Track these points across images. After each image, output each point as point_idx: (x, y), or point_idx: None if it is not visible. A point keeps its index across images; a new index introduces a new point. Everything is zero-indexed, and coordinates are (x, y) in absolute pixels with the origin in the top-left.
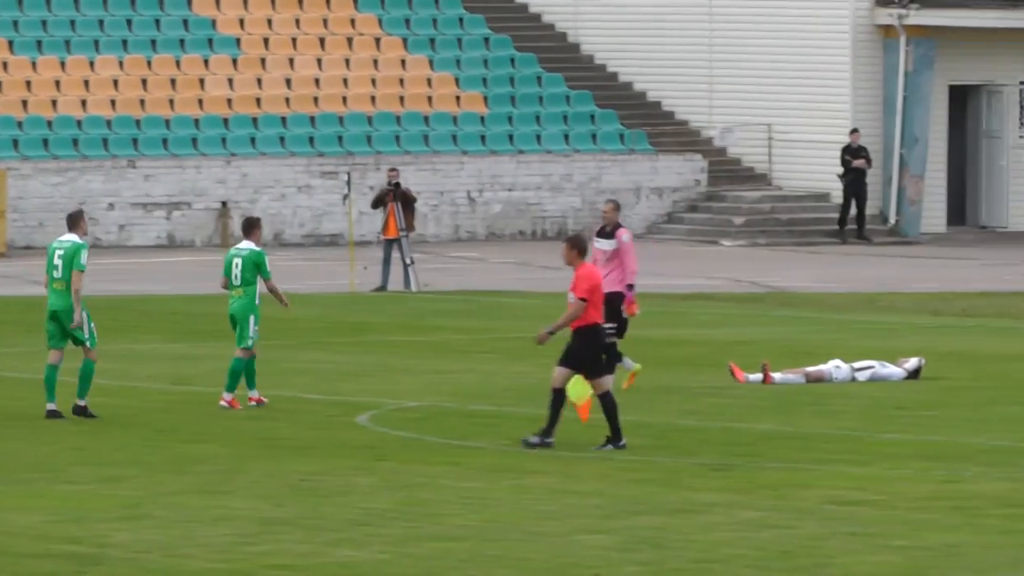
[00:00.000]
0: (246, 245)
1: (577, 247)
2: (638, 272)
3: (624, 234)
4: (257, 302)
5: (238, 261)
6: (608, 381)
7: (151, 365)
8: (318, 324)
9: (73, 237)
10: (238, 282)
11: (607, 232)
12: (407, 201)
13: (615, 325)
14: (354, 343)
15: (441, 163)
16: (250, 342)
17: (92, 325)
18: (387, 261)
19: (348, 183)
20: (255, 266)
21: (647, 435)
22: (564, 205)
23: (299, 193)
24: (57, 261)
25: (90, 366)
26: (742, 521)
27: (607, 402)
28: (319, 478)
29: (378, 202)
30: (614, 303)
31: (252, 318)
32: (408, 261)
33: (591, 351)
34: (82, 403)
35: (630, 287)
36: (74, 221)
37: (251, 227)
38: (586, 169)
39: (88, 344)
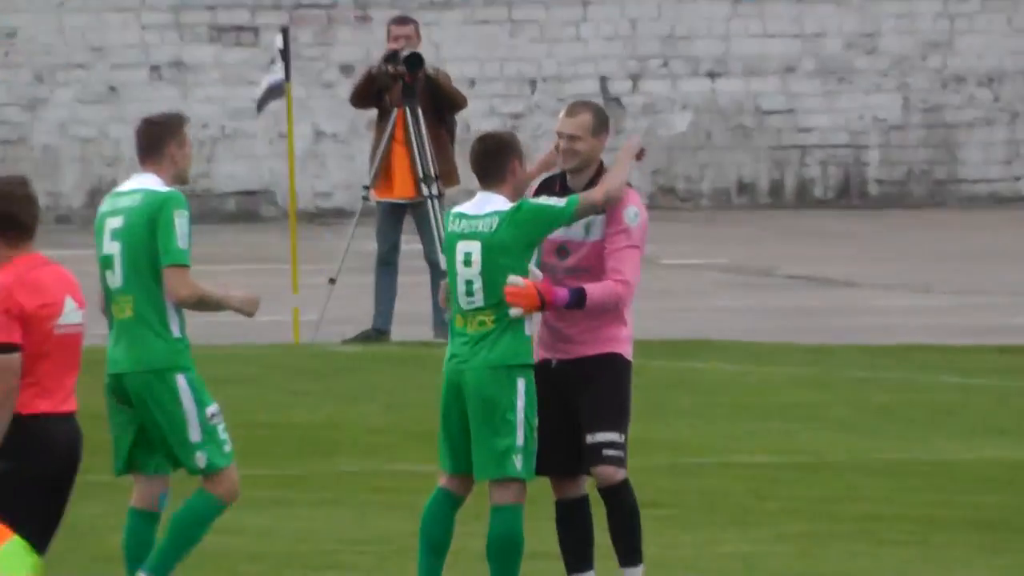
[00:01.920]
0: None
1: None
2: None
3: None
4: None
5: None
6: None
7: None
8: None
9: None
10: None
11: None
12: (443, 99)
13: None
14: None
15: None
16: None
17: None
18: (387, 263)
19: (283, 56)
20: None
21: None
22: None
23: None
24: (111, 246)
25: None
26: None
27: None
28: None
29: (365, 95)
30: None
31: None
32: (444, 263)
33: None
34: None
35: None
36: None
37: None
38: None
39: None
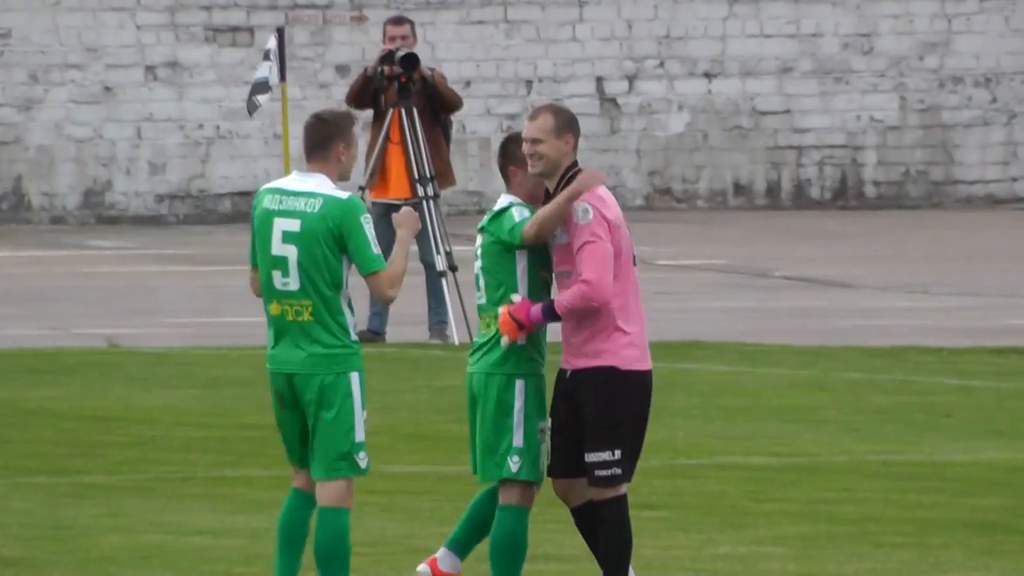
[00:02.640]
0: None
1: None
2: None
3: None
4: None
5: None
6: None
7: None
8: None
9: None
10: None
11: None
12: (438, 100)
13: None
14: None
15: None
16: None
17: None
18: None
19: (275, 56)
20: None
21: None
22: None
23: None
24: (284, 249)
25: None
26: None
27: None
28: None
29: (361, 95)
30: None
31: None
32: (440, 264)
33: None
34: None
35: None
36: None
37: None
38: None
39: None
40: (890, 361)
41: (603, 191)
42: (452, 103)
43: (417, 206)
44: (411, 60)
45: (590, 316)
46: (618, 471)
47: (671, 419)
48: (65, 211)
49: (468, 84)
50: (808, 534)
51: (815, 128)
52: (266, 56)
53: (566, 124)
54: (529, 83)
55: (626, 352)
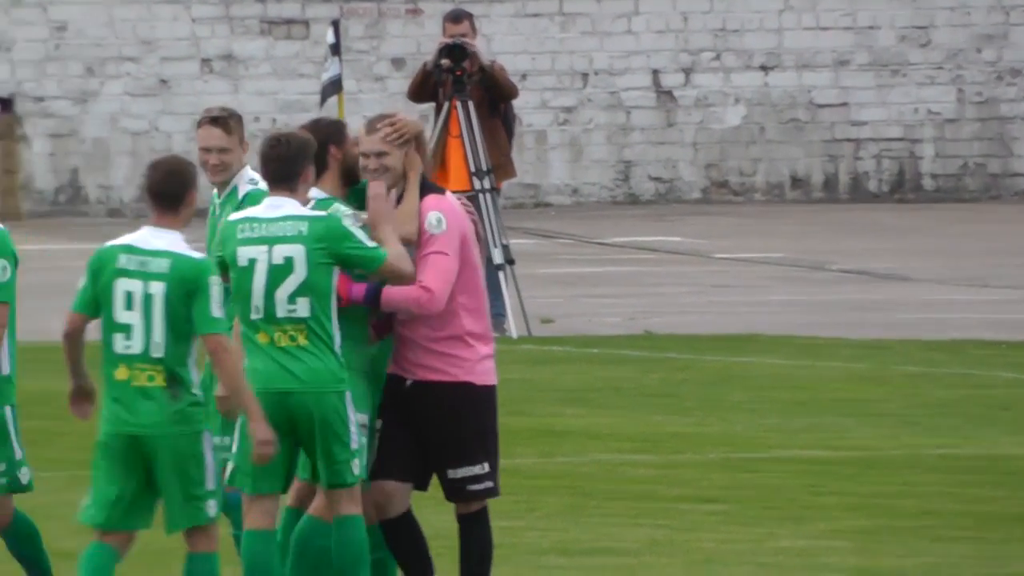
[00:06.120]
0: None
1: None
2: None
3: None
4: None
5: None
6: None
7: None
8: None
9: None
10: None
11: None
12: (495, 90)
13: None
14: None
15: None
16: None
17: None
18: None
19: (336, 44)
20: None
21: None
22: None
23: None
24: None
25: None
26: None
27: None
28: None
29: (421, 90)
30: None
31: None
32: (498, 257)
33: None
34: None
35: None
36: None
37: None
38: None
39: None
40: (948, 354)
41: (454, 202)
42: (508, 91)
43: (474, 199)
44: (459, 51)
45: (431, 324)
46: (491, 484)
47: (728, 412)
48: (121, 204)
49: (524, 77)
50: (867, 528)
51: (872, 121)
52: (333, 51)
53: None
54: (585, 76)
55: (480, 367)
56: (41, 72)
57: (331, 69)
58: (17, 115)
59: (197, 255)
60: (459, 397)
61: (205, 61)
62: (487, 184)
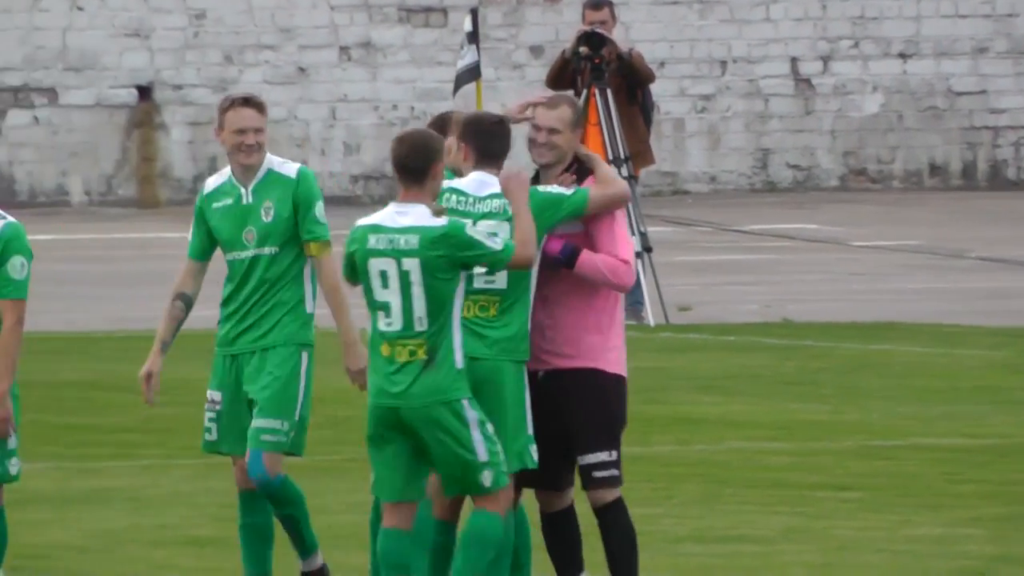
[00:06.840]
0: None
1: None
2: None
3: None
4: None
5: None
6: None
7: None
8: None
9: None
10: None
11: None
12: (632, 76)
13: None
14: None
15: None
16: None
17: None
18: None
19: (473, 32)
20: None
21: None
22: None
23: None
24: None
25: None
26: None
27: None
28: None
29: (559, 78)
30: None
31: None
32: (637, 244)
33: None
34: None
35: None
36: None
37: None
38: None
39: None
40: None
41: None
42: (645, 77)
43: None
44: (597, 39)
45: (569, 309)
46: (616, 471)
47: (865, 400)
48: None
49: (662, 65)
50: (1004, 515)
51: (1011, 108)
52: (470, 39)
53: (580, 119)
54: (723, 64)
55: (610, 356)
56: (180, 60)
57: (466, 57)
58: (156, 103)
59: (440, 222)
60: (588, 383)
61: (343, 49)
62: (625, 172)
